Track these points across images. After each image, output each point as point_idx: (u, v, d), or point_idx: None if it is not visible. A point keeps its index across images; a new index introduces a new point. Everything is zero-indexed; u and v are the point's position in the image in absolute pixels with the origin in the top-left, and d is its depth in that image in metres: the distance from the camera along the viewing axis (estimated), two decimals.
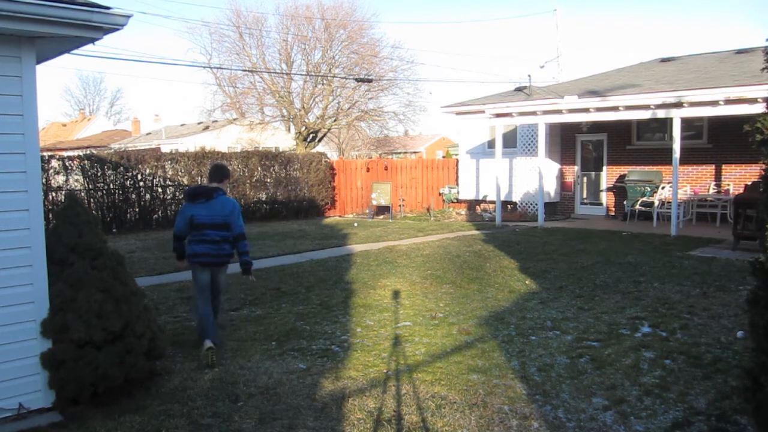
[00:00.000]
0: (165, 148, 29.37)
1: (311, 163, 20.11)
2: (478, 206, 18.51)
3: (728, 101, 11.44)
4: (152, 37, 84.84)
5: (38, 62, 4.30)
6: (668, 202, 13.77)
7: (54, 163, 14.96)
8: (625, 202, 15.15)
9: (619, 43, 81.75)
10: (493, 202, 17.02)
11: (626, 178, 15.25)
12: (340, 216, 20.26)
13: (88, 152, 18.96)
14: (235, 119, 29.83)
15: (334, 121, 28.76)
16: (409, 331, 6.13)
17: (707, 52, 17.74)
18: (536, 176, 15.32)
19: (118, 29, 4.11)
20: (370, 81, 25.59)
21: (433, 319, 6.55)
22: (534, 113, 14.55)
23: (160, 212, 16.96)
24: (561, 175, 17.28)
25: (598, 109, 13.37)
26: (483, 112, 15.85)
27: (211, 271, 5.64)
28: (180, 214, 5.69)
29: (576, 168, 17.02)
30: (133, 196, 16.39)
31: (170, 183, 17.23)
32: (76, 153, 20.16)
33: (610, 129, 15.87)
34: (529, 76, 17.91)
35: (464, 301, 7.35)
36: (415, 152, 48.05)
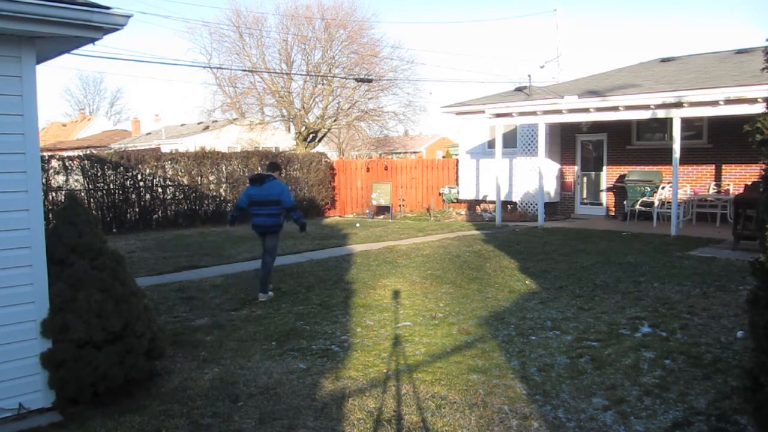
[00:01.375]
0: (165, 148, 29.35)
1: (311, 163, 20.11)
2: (478, 206, 18.51)
3: (728, 101, 11.44)
4: (152, 37, 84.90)
5: (38, 62, 4.29)
6: (668, 202, 13.77)
7: (54, 163, 14.96)
8: (625, 202, 15.14)
9: (619, 43, 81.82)
10: (493, 202, 17.02)
11: (626, 178, 15.24)
12: (340, 216, 20.26)
13: (88, 152, 18.95)
14: (235, 119, 29.83)
15: (334, 121, 28.76)
16: (409, 331, 6.13)
17: (707, 52, 17.74)
18: (536, 176, 15.32)
19: (118, 29, 4.11)
20: (370, 81, 25.59)
21: (433, 319, 6.55)
22: (534, 113, 14.55)
23: (160, 212, 16.95)
24: (561, 175, 17.28)
25: (598, 109, 13.36)
26: (483, 112, 15.85)
27: (262, 236, 7.74)
28: (243, 193, 7.86)
29: (576, 168, 17.02)
30: (133, 196, 16.39)
31: (170, 183, 17.23)
32: (76, 153, 20.15)
33: (610, 129, 15.87)
34: (529, 76, 17.92)
35: (464, 301, 7.35)
36: (415, 152, 48.04)
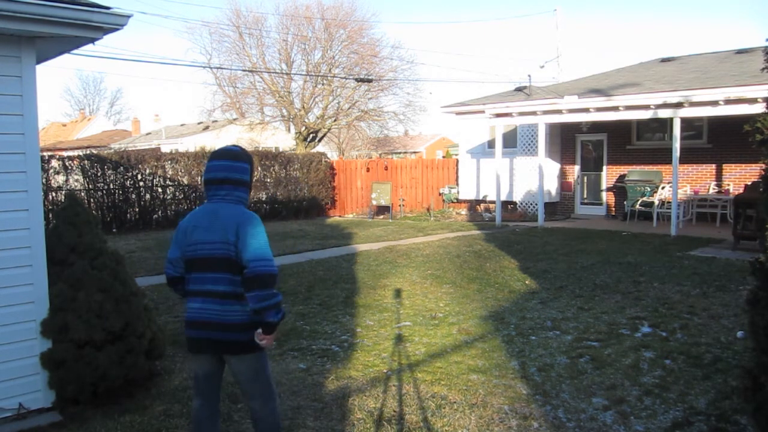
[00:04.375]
0: (165, 148, 29.33)
1: (311, 163, 20.11)
2: (478, 206, 18.51)
3: (728, 101, 11.43)
4: (152, 37, 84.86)
5: (38, 62, 4.29)
6: (668, 202, 13.77)
7: (54, 163, 14.96)
8: (625, 202, 15.14)
9: (619, 43, 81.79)
10: (493, 202, 17.01)
11: (626, 178, 15.24)
12: (340, 216, 20.26)
13: (88, 152, 18.94)
14: (235, 119, 29.83)
15: (334, 121, 28.75)
16: (409, 331, 6.13)
17: (707, 52, 17.73)
18: (536, 176, 15.32)
19: (118, 29, 4.11)
20: (370, 81, 25.59)
21: (433, 319, 6.55)
22: (534, 113, 14.54)
23: (160, 212, 16.95)
24: (561, 175, 17.28)
25: (598, 109, 13.36)
26: (483, 112, 15.85)
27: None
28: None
29: (576, 168, 17.02)
30: (133, 196, 16.38)
31: (170, 183, 17.23)
32: (76, 153, 20.14)
33: (610, 129, 15.87)
34: (529, 76, 17.92)
35: (464, 301, 7.35)
36: (415, 152, 48.02)
